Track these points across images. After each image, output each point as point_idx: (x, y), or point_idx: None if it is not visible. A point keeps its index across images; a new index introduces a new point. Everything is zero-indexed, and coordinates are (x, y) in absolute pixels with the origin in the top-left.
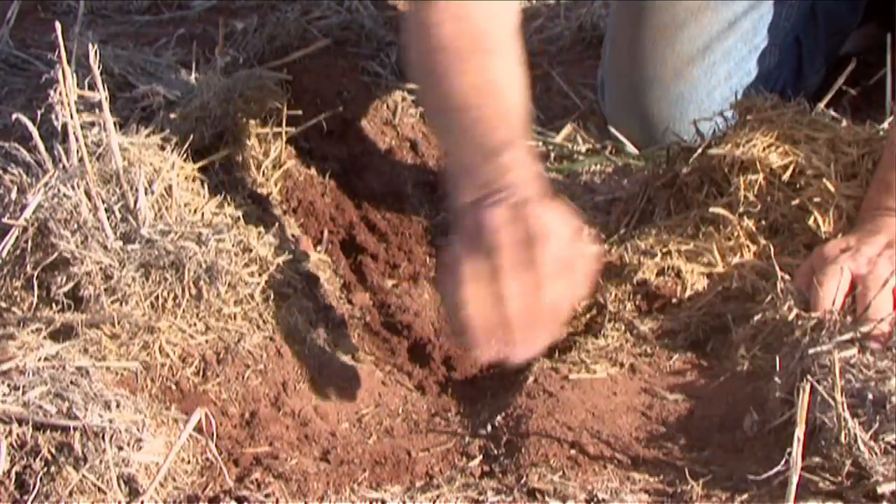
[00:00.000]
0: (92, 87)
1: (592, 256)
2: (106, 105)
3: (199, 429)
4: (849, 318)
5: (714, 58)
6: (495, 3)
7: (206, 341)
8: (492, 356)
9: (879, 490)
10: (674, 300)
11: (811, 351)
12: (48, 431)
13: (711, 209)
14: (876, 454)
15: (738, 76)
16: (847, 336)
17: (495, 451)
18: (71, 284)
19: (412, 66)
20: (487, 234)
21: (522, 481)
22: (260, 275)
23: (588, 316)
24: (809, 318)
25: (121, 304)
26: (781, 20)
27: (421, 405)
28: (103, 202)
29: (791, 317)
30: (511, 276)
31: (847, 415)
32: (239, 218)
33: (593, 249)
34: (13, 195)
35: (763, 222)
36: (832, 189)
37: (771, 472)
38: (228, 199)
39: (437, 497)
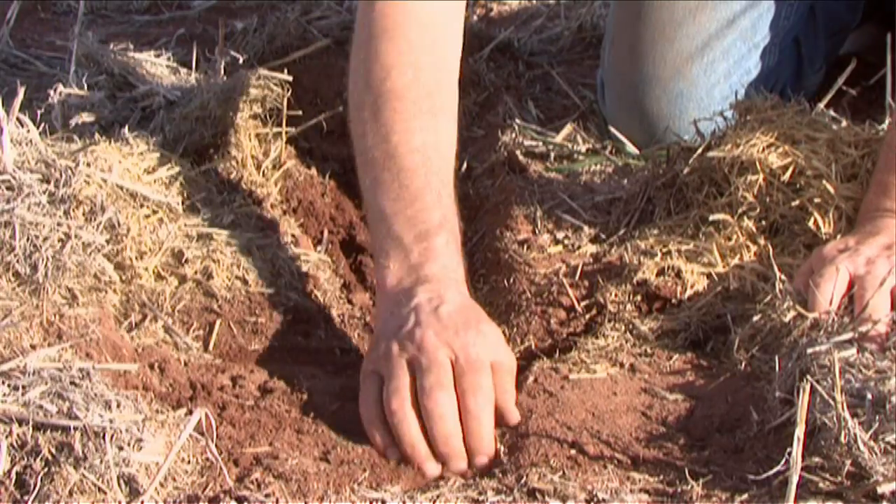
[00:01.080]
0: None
1: (512, 376)
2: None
3: (199, 429)
4: (846, 319)
5: (713, 56)
6: (446, 52)
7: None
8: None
9: (879, 490)
10: (674, 300)
11: (810, 351)
12: (48, 431)
13: (712, 217)
14: (876, 454)
15: (737, 74)
16: (845, 336)
17: (495, 451)
18: None
19: (356, 104)
20: (425, 352)
21: (522, 481)
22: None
23: (588, 316)
24: (807, 318)
25: None
26: (781, 19)
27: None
28: None
29: (789, 318)
30: (441, 395)
31: (847, 415)
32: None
33: (512, 363)
34: None
35: (763, 223)
36: (832, 190)
37: (771, 472)
38: (228, 199)
39: (437, 497)
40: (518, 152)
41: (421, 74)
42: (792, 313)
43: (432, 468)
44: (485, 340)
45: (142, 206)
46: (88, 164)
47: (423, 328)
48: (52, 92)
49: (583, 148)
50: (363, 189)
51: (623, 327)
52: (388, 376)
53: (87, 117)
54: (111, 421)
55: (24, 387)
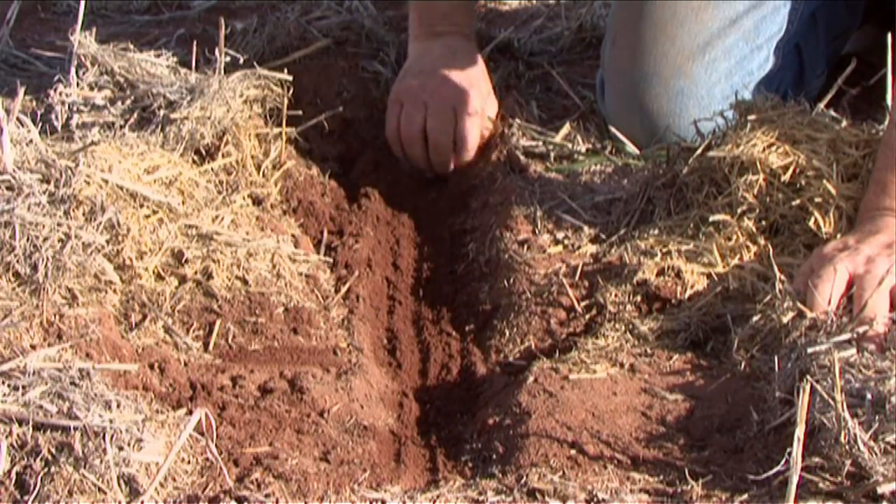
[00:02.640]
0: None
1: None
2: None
3: (199, 429)
4: (845, 319)
5: (714, 54)
6: None
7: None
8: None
9: (879, 490)
10: (674, 300)
11: (809, 351)
12: (48, 431)
13: (712, 217)
14: (876, 454)
15: (738, 74)
16: (844, 336)
17: (495, 451)
18: None
19: None
20: (434, 101)
21: (522, 481)
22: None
23: (588, 316)
24: (806, 318)
25: None
26: (783, 22)
27: (421, 405)
28: None
29: (788, 318)
30: (440, 135)
31: (847, 415)
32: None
33: (492, 110)
34: None
35: (763, 223)
36: (832, 190)
37: (771, 472)
38: (228, 199)
39: (437, 497)
40: (518, 152)
41: None
42: (791, 313)
43: (426, 169)
44: (480, 95)
45: (142, 206)
46: (88, 164)
47: (438, 82)
48: (52, 92)
49: (583, 148)
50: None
51: (623, 327)
52: (409, 107)
53: (87, 117)
54: (111, 421)
55: (24, 387)
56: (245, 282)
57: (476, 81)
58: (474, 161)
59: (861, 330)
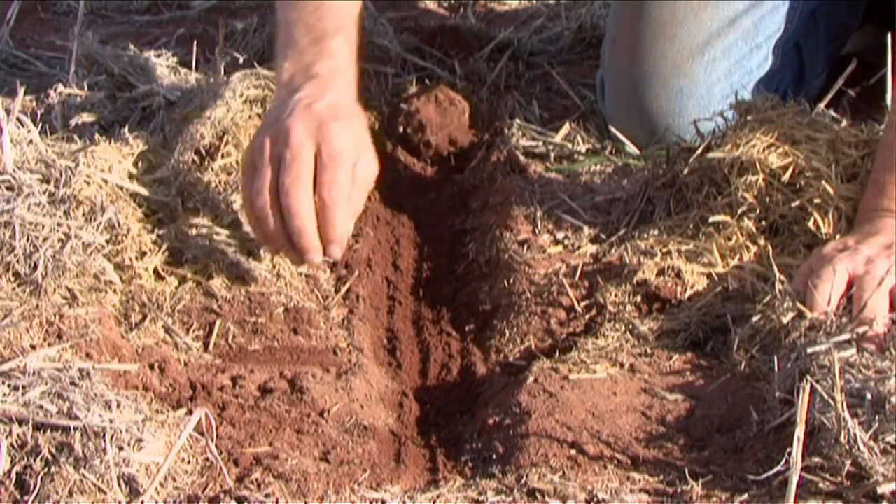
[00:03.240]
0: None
1: (370, 179)
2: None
3: (199, 429)
4: (844, 320)
5: (714, 54)
6: None
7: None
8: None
9: (879, 490)
10: (674, 300)
11: (809, 351)
12: (48, 431)
13: (712, 218)
14: (876, 454)
15: (738, 74)
16: (844, 337)
17: (495, 451)
18: None
19: None
20: (289, 146)
21: (522, 481)
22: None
23: (588, 316)
24: (806, 319)
25: None
26: (783, 22)
27: (421, 405)
28: None
29: (788, 318)
30: (297, 191)
31: (847, 415)
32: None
33: (372, 170)
34: None
35: (763, 223)
36: (831, 191)
37: (771, 472)
38: (228, 199)
39: (437, 497)
40: (518, 152)
41: None
42: (791, 314)
43: (293, 257)
44: (351, 135)
45: (142, 206)
46: (88, 165)
47: (293, 120)
48: (52, 92)
49: (583, 148)
50: (277, 22)
51: (623, 327)
52: (257, 172)
53: (87, 117)
54: (111, 421)
55: (24, 387)
56: (245, 282)
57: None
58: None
59: (861, 330)
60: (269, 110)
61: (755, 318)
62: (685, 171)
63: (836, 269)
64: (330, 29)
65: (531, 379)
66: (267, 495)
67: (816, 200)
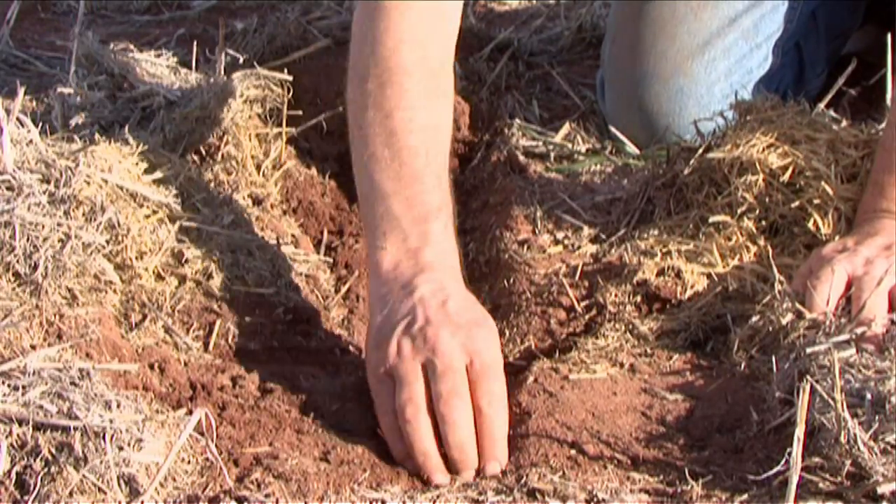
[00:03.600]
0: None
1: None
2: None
3: (199, 429)
4: (843, 320)
5: (714, 53)
6: (451, 32)
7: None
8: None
9: (879, 490)
10: (674, 300)
11: (809, 351)
12: (48, 431)
13: (712, 219)
14: (876, 454)
15: (738, 73)
16: (843, 337)
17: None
18: None
19: (360, 74)
20: (438, 355)
21: (522, 481)
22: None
23: (588, 316)
24: (805, 319)
25: None
26: (783, 21)
27: None
28: None
29: (787, 319)
30: (458, 403)
31: (846, 415)
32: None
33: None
34: None
35: (763, 223)
36: (831, 191)
37: (771, 472)
38: (228, 199)
39: (437, 497)
40: (518, 152)
41: (428, 53)
42: (790, 315)
43: (441, 479)
44: (495, 341)
45: (142, 206)
46: (88, 164)
47: (435, 328)
48: (52, 92)
49: (583, 148)
50: (356, 163)
51: (623, 327)
52: (402, 382)
53: (87, 117)
54: (111, 421)
55: (24, 387)
56: (245, 282)
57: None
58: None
59: (859, 331)
60: (381, 306)
61: (754, 319)
62: (685, 171)
63: (835, 270)
64: (432, 207)
65: (531, 379)
66: (267, 495)
67: (816, 201)
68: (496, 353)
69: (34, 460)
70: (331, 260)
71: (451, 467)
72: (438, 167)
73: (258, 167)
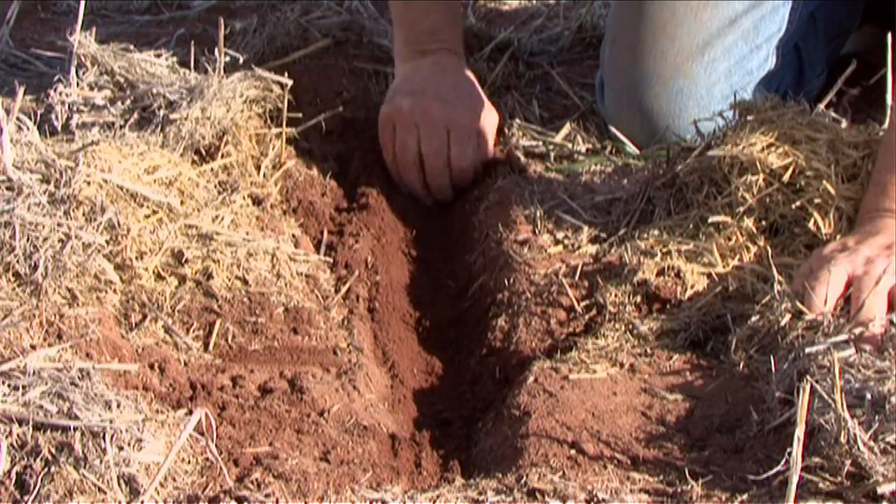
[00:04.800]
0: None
1: (494, 125)
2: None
3: (199, 429)
4: (842, 320)
5: (714, 54)
6: None
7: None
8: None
9: (879, 490)
10: (674, 300)
11: (808, 351)
12: (48, 431)
13: (712, 219)
14: (876, 454)
15: (738, 74)
16: (841, 337)
17: (495, 451)
18: None
19: None
20: (427, 123)
21: (522, 481)
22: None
23: (588, 316)
24: (803, 319)
25: None
26: (782, 22)
27: (421, 405)
28: None
29: (785, 320)
30: (437, 161)
31: (846, 415)
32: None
33: (493, 120)
34: None
35: (763, 223)
36: (832, 191)
37: (771, 472)
38: (228, 199)
39: (437, 497)
40: (518, 152)
41: None
42: (789, 315)
43: (422, 195)
44: (472, 111)
45: (142, 206)
46: (88, 164)
47: (429, 98)
48: (52, 92)
49: (583, 148)
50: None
51: (623, 327)
52: (399, 130)
53: (87, 117)
54: (111, 421)
55: (24, 387)
56: (245, 282)
57: (469, 98)
58: (479, 178)
59: (857, 331)
60: (399, 76)
61: (754, 319)
62: (685, 171)
63: (835, 270)
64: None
65: (531, 379)
66: (267, 495)
67: (817, 201)
68: (469, 119)
69: (34, 460)
70: (331, 260)
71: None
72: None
73: (258, 167)
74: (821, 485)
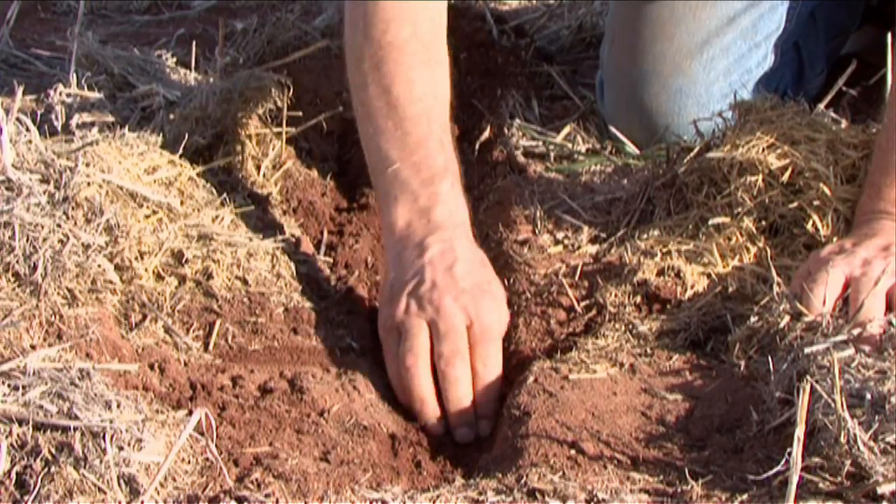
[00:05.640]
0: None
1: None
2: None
3: (199, 429)
4: (840, 321)
5: (712, 53)
6: (437, 8)
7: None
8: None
9: (879, 490)
10: (674, 300)
11: (807, 351)
12: (48, 431)
13: (712, 220)
14: (876, 454)
15: (737, 73)
16: (840, 338)
17: (496, 451)
18: None
19: (356, 56)
20: (442, 317)
21: (522, 481)
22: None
23: (588, 316)
24: (802, 320)
25: None
26: (781, 21)
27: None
28: None
29: (784, 321)
30: (458, 361)
31: (846, 415)
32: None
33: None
34: None
35: (762, 223)
36: (830, 192)
37: (771, 473)
38: (228, 199)
39: (437, 497)
40: (518, 152)
41: (419, 29)
42: (788, 316)
43: (435, 426)
44: (498, 307)
45: (142, 206)
46: (88, 164)
47: (441, 291)
48: (52, 92)
49: (583, 148)
50: (364, 137)
51: (623, 327)
52: (406, 334)
53: (87, 117)
54: (111, 421)
55: (24, 387)
56: (245, 282)
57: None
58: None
59: (857, 332)
60: (395, 266)
61: (753, 320)
62: (685, 171)
63: (833, 272)
64: (438, 169)
65: (531, 379)
66: (267, 495)
67: (815, 202)
68: (496, 316)
69: (34, 460)
70: (331, 260)
71: (450, 422)
72: (440, 131)
73: (258, 167)
74: (821, 485)
